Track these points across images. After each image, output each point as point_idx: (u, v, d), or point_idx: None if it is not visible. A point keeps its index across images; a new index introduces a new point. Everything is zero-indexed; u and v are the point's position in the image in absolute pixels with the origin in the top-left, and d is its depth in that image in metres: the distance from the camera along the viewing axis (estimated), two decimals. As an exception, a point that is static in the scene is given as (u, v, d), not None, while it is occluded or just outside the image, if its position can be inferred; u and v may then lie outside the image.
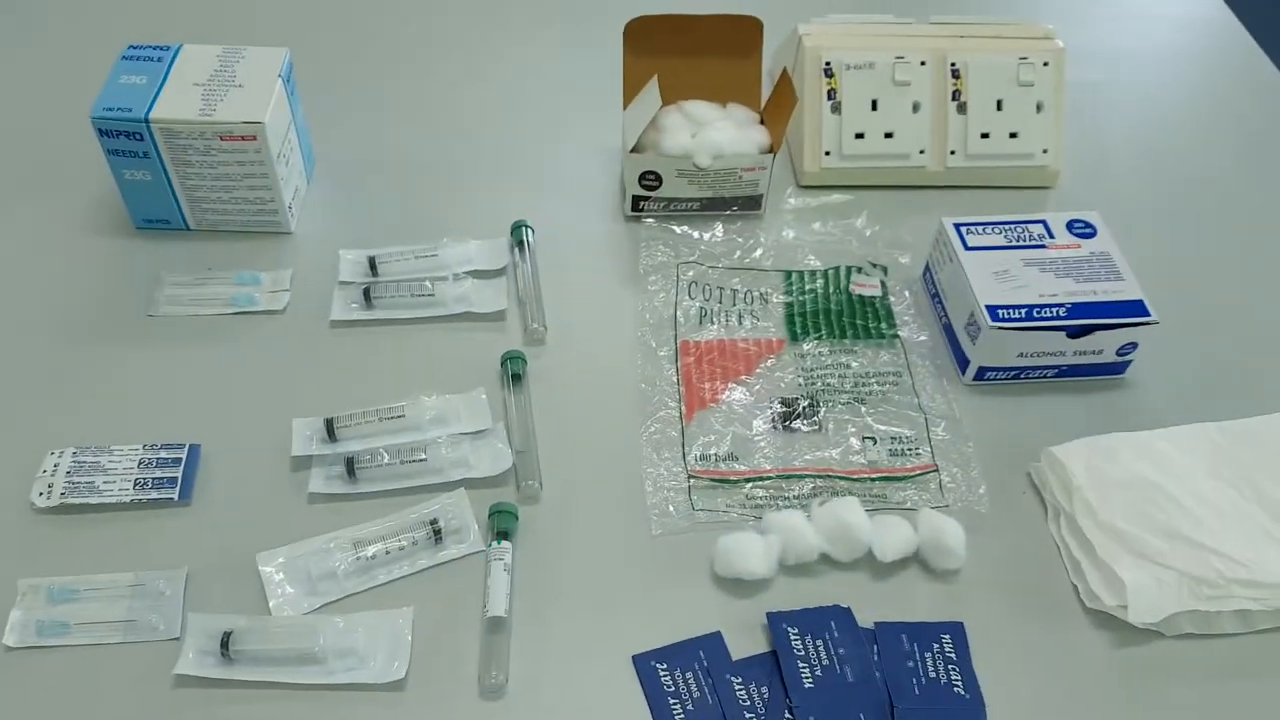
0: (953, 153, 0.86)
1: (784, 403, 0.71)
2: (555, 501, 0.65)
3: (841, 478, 0.66)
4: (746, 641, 0.59)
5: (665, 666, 0.58)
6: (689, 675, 0.57)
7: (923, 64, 0.85)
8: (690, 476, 0.66)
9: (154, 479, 0.63)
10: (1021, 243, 0.74)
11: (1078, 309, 0.70)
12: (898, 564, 0.62)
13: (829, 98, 0.85)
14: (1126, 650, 0.60)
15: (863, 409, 0.70)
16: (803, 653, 0.58)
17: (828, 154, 0.86)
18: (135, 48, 0.77)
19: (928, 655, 0.59)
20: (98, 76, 0.75)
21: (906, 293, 0.78)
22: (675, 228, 0.82)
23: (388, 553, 0.61)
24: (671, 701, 0.56)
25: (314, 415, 0.67)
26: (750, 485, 0.66)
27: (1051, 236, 0.75)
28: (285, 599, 0.59)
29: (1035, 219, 0.76)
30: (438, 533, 0.62)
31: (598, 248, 0.81)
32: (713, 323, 0.76)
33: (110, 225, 0.80)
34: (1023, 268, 0.72)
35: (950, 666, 0.58)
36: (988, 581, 0.62)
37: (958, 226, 0.75)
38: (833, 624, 0.59)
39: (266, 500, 0.64)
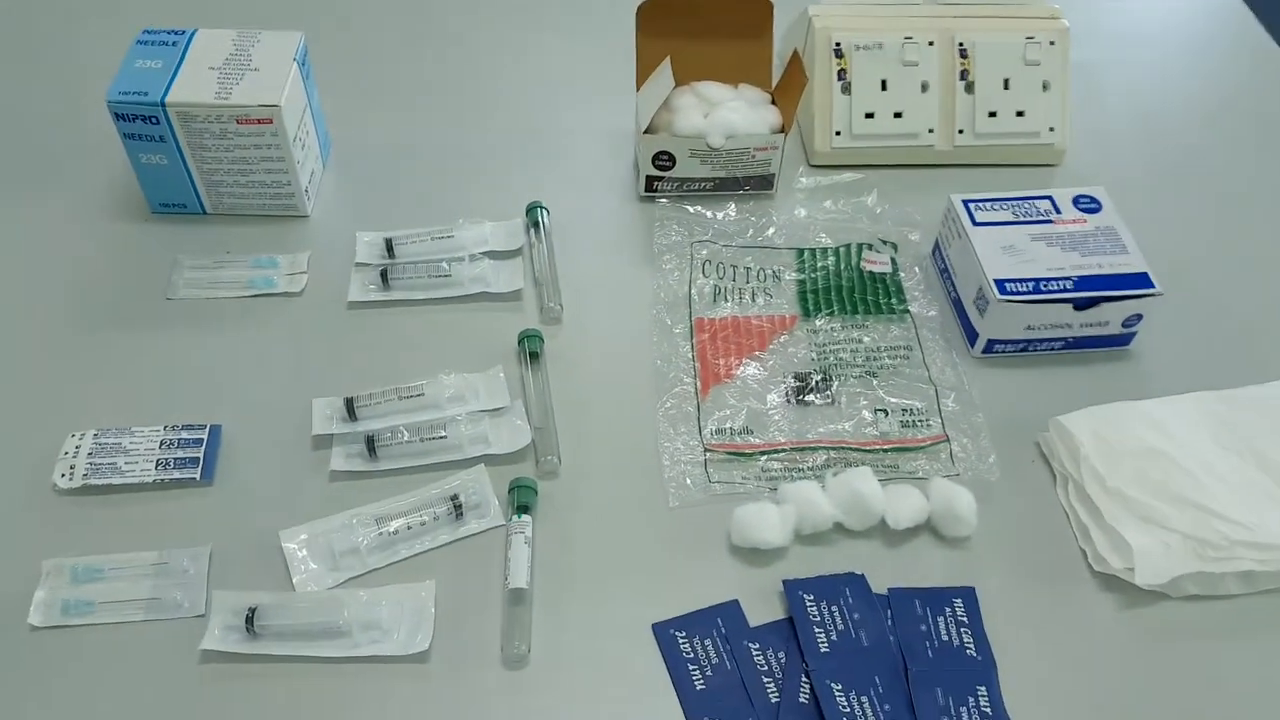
0: (961, 132, 0.87)
1: (797, 377, 0.71)
2: (573, 476, 0.66)
3: (854, 449, 0.67)
4: (763, 609, 0.60)
5: (684, 634, 0.59)
6: (708, 642, 0.58)
7: (931, 44, 0.86)
8: (706, 450, 0.67)
9: (176, 459, 0.64)
10: (1028, 218, 0.75)
11: (1084, 282, 0.70)
12: (910, 532, 0.63)
13: (839, 78, 0.86)
14: (1133, 611, 0.61)
15: (874, 382, 0.71)
16: (818, 618, 0.59)
17: (838, 134, 0.87)
18: (150, 32, 0.78)
19: (940, 619, 0.60)
20: (111, 61, 0.75)
21: (916, 269, 0.79)
22: (689, 207, 0.83)
23: (409, 528, 0.62)
24: (691, 668, 0.57)
25: (333, 395, 0.68)
26: (765, 458, 0.67)
27: (1058, 212, 0.75)
28: (309, 575, 0.60)
29: (1042, 195, 0.77)
30: (458, 508, 0.63)
31: (612, 228, 0.82)
32: (727, 300, 0.76)
33: (127, 210, 0.80)
34: (1030, 243, 0.73)
35: (962, 630, 0.59)
36: (998, 548, 0.63)
37: (966, 203, 0.76)
38: (847, 590, 0.60)
39: (288, 479, 0.65)
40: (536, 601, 0.60)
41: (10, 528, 0.62)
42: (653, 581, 0.61)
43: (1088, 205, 0.76)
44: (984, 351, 0.73)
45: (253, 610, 0.57)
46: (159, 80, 0.74)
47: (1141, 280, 0.70)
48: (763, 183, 0.84)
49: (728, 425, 0.69)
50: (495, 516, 0.63)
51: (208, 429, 0.66)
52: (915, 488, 0.64)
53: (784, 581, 0.60)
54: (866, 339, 0.74)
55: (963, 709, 0.56)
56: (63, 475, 0.63)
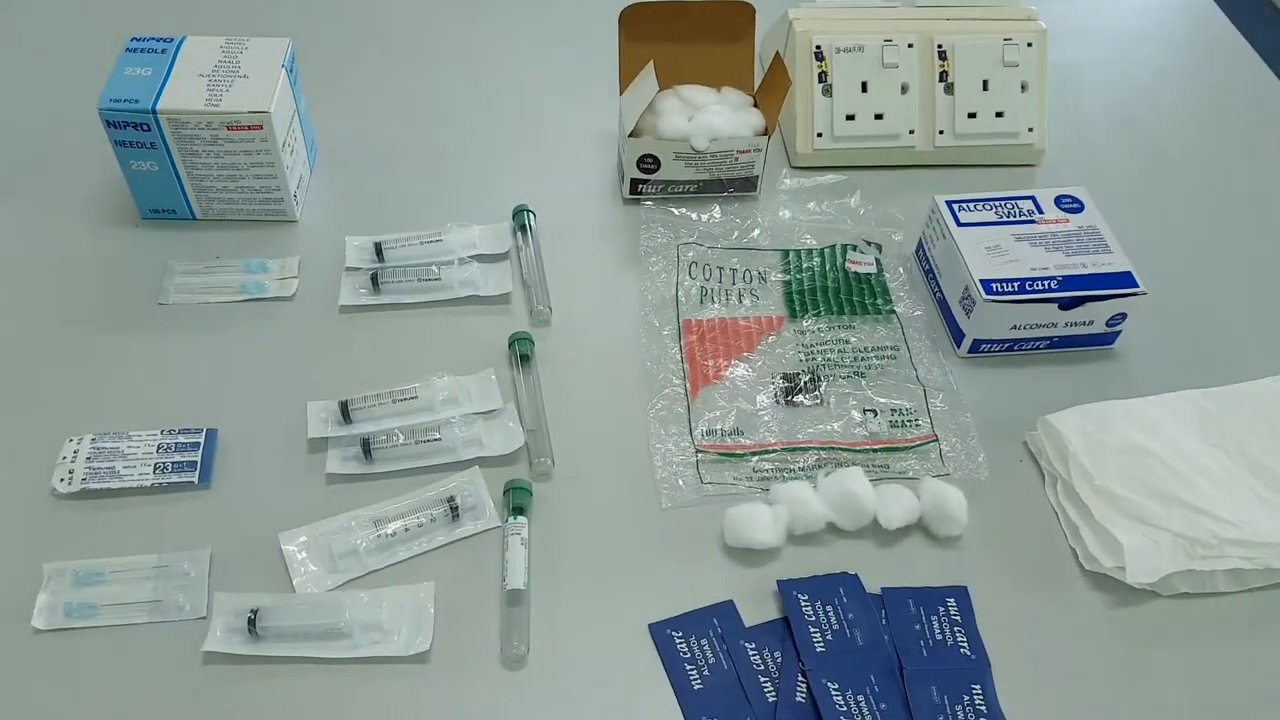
0: (941, 132, 0.88)
1: (786, 378, 0.73)
2: (567, 478, 0.67)
3: (845, 449, 0.68)
4: (758, 609, 0.61)
5: (681, 634, 0.60)
6: (704, 642, 0.59)
7: (910, 46, 0.87)
8: (698, 451, 0.68)
9: (174, 463, 0.64)
10: (1012, 218, 0.76)
11: (1068, 281, 0.72)
12: (902, 531, 0.64)
13: (820, 80, 0.87)
14: (1124, 610, 0.62)
15: (863, 382, 0.72)
16: (814, 618, 0.60)
17: (819, 135, 0.88)
18: (138, 39, 0.78)
19: (934, 618, 0.61)
20: (98, 67, 0.75)
21: (901, 269, 0.80)
22: (674, 210, 0.84)
23: (407, 530, 0.62)
24: (688, 668, 0.58)
25: (327, 398, 0.68)
26: (756, 458, 0.68)
27: (1041, 212, 0.77)
28: (308, 577, 0.60)
29: (1024, 195, 0.78)
30: (455, 510, 0.63)
31: (598, 230, 0.83)
32: (714, 302, 0.77)
33: (117, 216, 0.80)
34: (1014, 242, 0.74)
35: (956, 628, 0.60)
36: (989, 547, 0.64)
37: (950, 204, 0.77)
38: (841, 590, 0.61)
39: (285, 481, 0.65)
40: (533, 602, 0.60)
41: (11, 531, 0.62)
42: (648, 582, 0.62)
43: (1070, 205, 0.77)
44: (970, 351, 0.74)
45: (255, 612, 0.57)
46: (149, 87, 0.74)
47: (1126, 279, 0.72)
48: (746, 185, 0.85)
49: (718, 426, 0.70)
50: (491, 518, 0.64)
51: (204, 433, 0.66)
52: (906, 487, 0.65)
53: (778, 582, 0.61)
54: (853, 339, 0.75)
55: (958, 707, 0.57)
56: (61, 480, 0.63)
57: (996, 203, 0.77)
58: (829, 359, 0.74)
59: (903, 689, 0.58)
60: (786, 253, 0.81)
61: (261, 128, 0.74)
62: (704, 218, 0.83)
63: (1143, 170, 0.91)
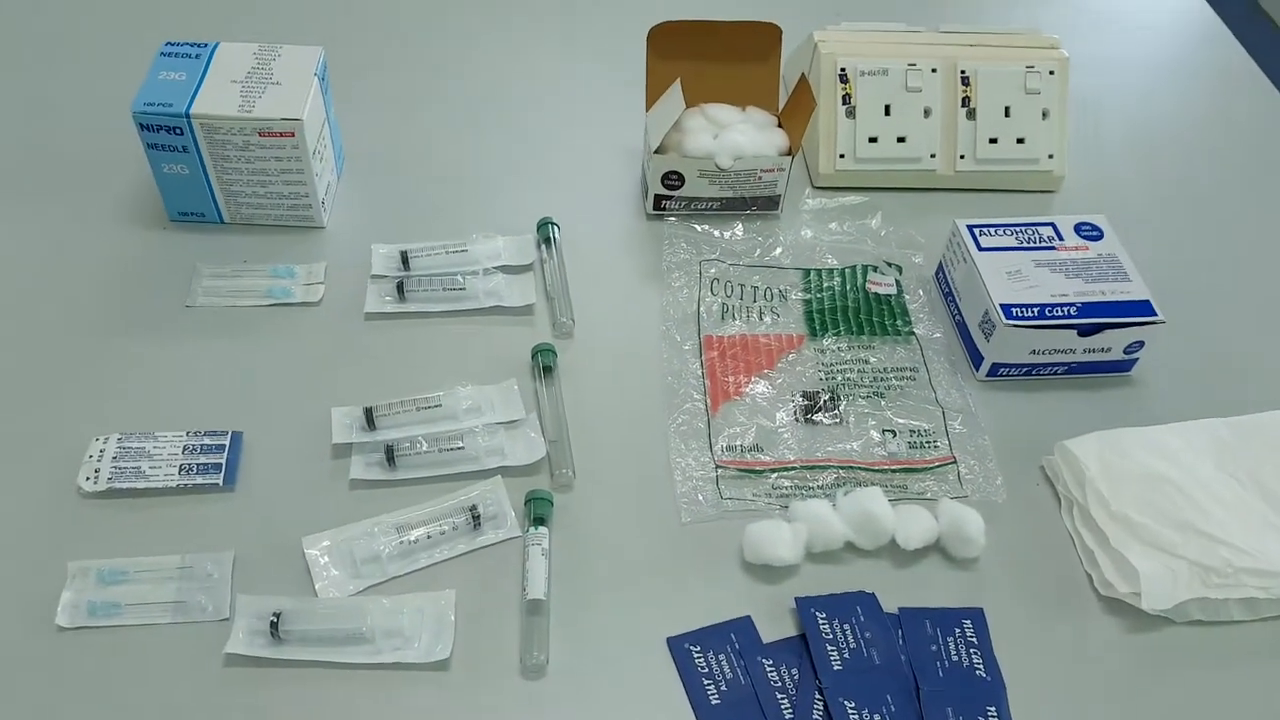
0: (962, 157, 0.89)
1: (805, 396, 0.73)
2: (587, 489, 0.67)
3: (864, 469, 0.69)
4: (776, 626, 0.62)
5: (699, 649, 0.60)
6: (721, 657, 0.60)
7: (934, 71, 0.88)
8: (718, 466, 0.69)
9: (199, 465, 0.65)
10: (1032, 244, 0.77)
11: (1088, 308, 0.72)
12: (919, 552, 0.65)
13: (844, 102, 0.88)
14: (1138, 635, 0.62)
15: (882, 403, 0.73)
16: (831, 636, 0.60)
17: (842, 156, 0.89)
18: (172, 44, 0.79)
19: (950, 639, 0.61)
20: (130, 71, 0.76)
21: (920, 291, 0.81)
22: (696, 226, 0.84)
23: (429, 537, 0.63)
24: (705, 682, 0.59)
25: (352, 404, 0.69)
26: (776, 475, 0.68)
27: (1061, 239, 0.77)
28: (330, 581, 0.61)
29: (1044, 221, 0.79)
30: (476, 518, 0.64)
31: (621, 245, 0.84)
32: (735, 318, 0.78)
33: (146, 217, 0.81)
34: (1034, 268, 0.75)
35: (972, 650, 0.61)
36: (1006, 569, 0.65)
37: (971, 228, 0.78)
38: (859, 609, 0.62)
39: (308, 486, 0.66)
40: (553, 612, 0.61)
41: (36, 529, 0.62)
42: (666, 595, 0.62)
43: (1089, 233, 0.78)
44: (989, 375, 0.75)
45: (278, 615, 0.58)
46: (183, 92, 0.75)
47: (1144, 308, 0.73)
48: (769, 203, 0.85)
49: (738, 442, 0.70)
50: (512, 528, 0.64)
51: (229, 435, 0.67)
52: (924, 508, 0.65)
53: (796, 599, 0.62)
54: (873, 359, 0.76)
55: (972, 727, 0.58)
56: (88, 479, 0.64)
57: (1017, 228, 0.78)
58: (848, 378, 0.74)
59: (919, 709, 0.58)
60: (807, 272, 0.82)
61: (293, 135, 0.75)
62: (726, 235, 0.84)
63: (1161, 199, 0.92)
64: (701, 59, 0.84)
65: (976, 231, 0.78)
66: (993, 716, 0.58)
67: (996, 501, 0.68)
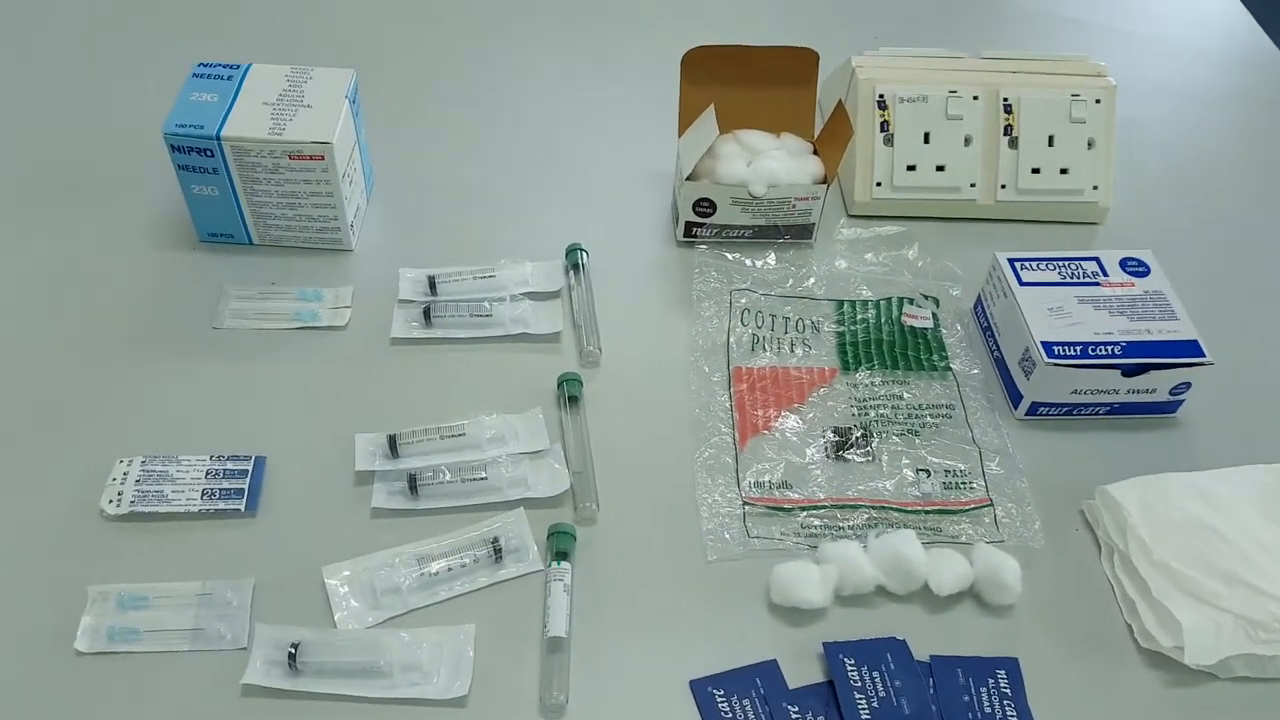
0: (1003, 187, 0.87)
1: (837, 432, 0.71)
2: (611, 523, 0.66)
3: (896, 509, 0.67)
4: (802, 670, 0.60)
5: (722, 693, 0.58)
6: (745, 702, 0.58)
7: (975, 98, 0.86)
8: (745, 503, 0.67)
9: (221, 490, 0.64)
10: (1075, 279, 0.75)
11: (1132, 348, 0.70)
12: (952, 598, 0.63)
13: (881, 129, 0.86)
14: (1180, 691, 0.60)
15: (916, 440, 0.71)
16: (859, 684, 0.58)
17: (879, 185, 0.87)
18: (204, 65, 0.79)
19: (983, 690, 0.59)
20: (163, 91, 0.76)
21: (958, 325, 0.79)
22: (727, 254, 0.83)
23: (450, 569, 0.62)
24: (729, 727, 0.57)
25: (376, 431, 0.68)
26: (805, 514, 0.67)
27: (1105, 274, 0.75)
28: (350, 612, 0.60)
29: (1089, 256, 0.77)
30: (498, 551, 0.63)
31: (650, 272, 0.83)
32: (765, 350, 0.77)
33: (175, 238, 0.81)
34: (1077, 305, 0.73)
35: (1005, 702, 0.59)
36: (1042, 618, 0.63)
37: (1012, 262, 0.76)
38: (889, 656, 0.60)
39: (330, 513, 0.65)
40: (573, 650, 0.59)
41: (58, 552, 0.62)
42: (690, 636, 0.61)
43: (1135, 268, 0.76)
44: (1027, 413, 0.73)
45: (296, 646, 0.57)
46: (214, 114, 0.75)
47: (1192, 348, 0.70)
48: (802, 232, 0.84)
49: (766, 478, 0.68)
50: (534, 561, 0.63)
51: (253, 460, 0.66)
52: (959, 553, 0.63)
53: (824, 644, 0.60)
54: (907, 395, 0.74)
55: (1002, 780, 0.56)
56: (110, 501, 0.63)
57: (1060, 263, 0.76)
58: (882, 414, 0.72)
59: (950, 764, 0.56)
60: (841, 303, 0.80)
61: (323, 158, 0.75)
62: (758, 264, 0.83)
63: (1209, 233, 0.89)
64: (736, 84, 0.83)
65: (1017, 265, 0.76)
66: (1027, 774, 0.56)
67: (1034, 547, 0.66)
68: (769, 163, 0.81)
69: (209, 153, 0.74)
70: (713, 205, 0.82)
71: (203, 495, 0.64)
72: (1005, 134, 0.87)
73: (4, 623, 0.59)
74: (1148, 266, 0.76)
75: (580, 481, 0.67)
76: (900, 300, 0.80)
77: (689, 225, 0.83)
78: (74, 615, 0.59)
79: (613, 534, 0.65)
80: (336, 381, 0.73)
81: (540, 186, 0.89)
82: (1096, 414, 0.73)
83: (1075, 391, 0.71)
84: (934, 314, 0.79)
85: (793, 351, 0.77)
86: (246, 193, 0.77)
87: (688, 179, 0.80)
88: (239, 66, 0.79)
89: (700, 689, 0.58)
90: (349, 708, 0.56)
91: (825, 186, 0.81)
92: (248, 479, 0.65)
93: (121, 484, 0.64)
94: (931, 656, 0.60)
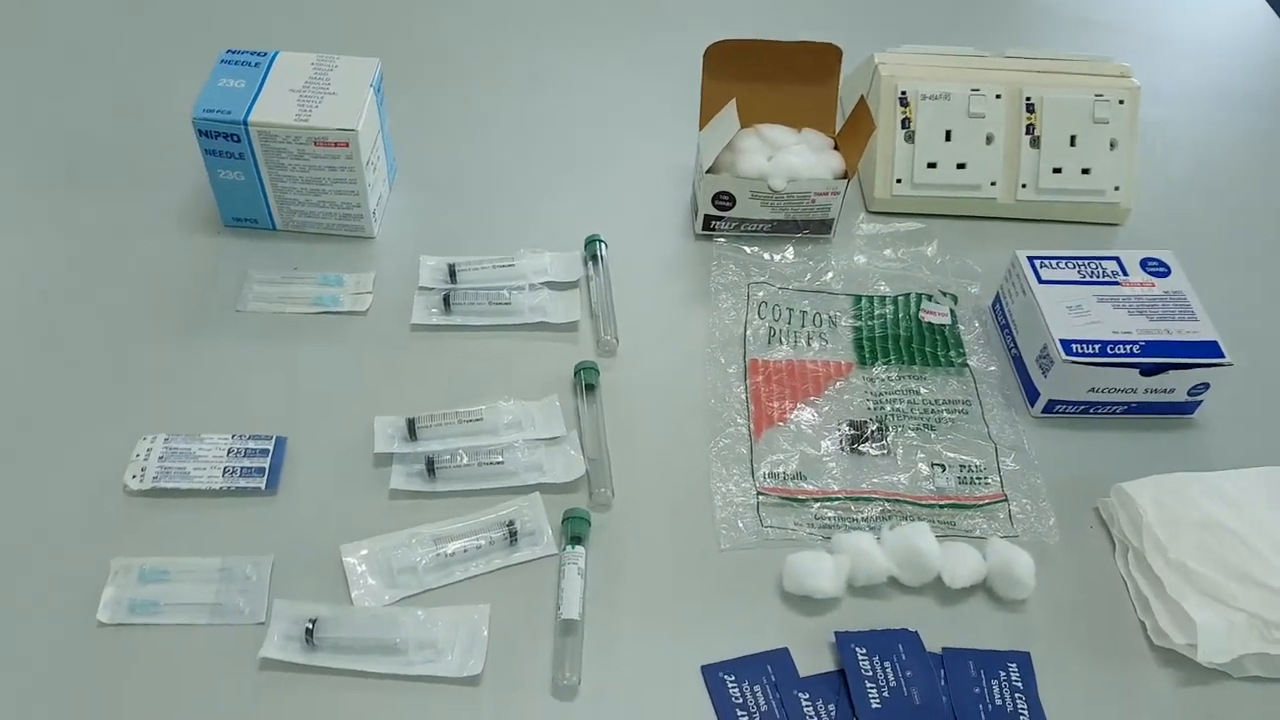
0: (1024, 186, 0.87)
1: (852, 425, 0.72)
2: (626, 510, 0.66)
3: (910, 503, 0.67)
4: (813, 659, 0.60)
5: (733, 679, 0.59)
6: (756, 689, 0.58)
7: (998, 97, 0.86)
8: (759, 494, 0.67)
9: (242, 468, 0.65)
10: (1095, 279, 0.75)
11: (1151, 347, 0.70)
12: (965, 591, 0.63)
13: (903, 126, 0.87)
14: (1192, 689, 0.60)
15: (932, 435, 0.71)
16: (870, 673, 0.59)
17: (899, 181, 0.87)
18: (232, 52, 0.80)
19: (994, 683, 0.59)
20: (192, 77, 0.77)
21: (976, 322, 0.79)
22: (746, 248, 0.84)
23: (465, 551, 0.62)
24: (739, 713, 0.57)
25: (394, 414, 0.69)
26: (819, 505, 0.67)
27: (1125, 274, 0.75)
28: (367, 590, 0.61)
29: (1109, 255, 0.76)
30: (514, 534, 0.63)
31: (668, 264, 0.83)
32: (782, 343, 0.77)
33: (200, 223, 0.82)
34: (1096, 304, 0.73)
35: (1017, 695, 0.59)
36: (1055, 613, 0.63)
37: (1031, 260, 0.76)
38: (900, 647, 0.60)
39: (349, 493, 0.66)
40: (586, 633, 0.60)
41: (82, 525, 0.63)
42: (702, 622, 0.61)
43: (1156, 269, 0.75)
44: (1044, 411, 0.73)
45: (314, 622, 0.57)
46: (242, 99, 0.76)
47: (1212, 349, 0.70)
48: (821, 227, 0.84)
49: (780, 469, 0.69)
50: (548, 545, 0.64)
51: (273, 440, 0.67)
52: (972, 546, 0.63)
53: (836, 633, 0.60)
54: (924, 390, 0.74)
55: (1012, 773, 0.56)
56: (134, 477, 0.64)
57: (1080, 262, 0.76)
58: (898, 409, 0.73)
59: (959, 755, 0.56)
60: (859, 298, 0.80)
61: (347, 145, 0.75)
62: (777, 258, 0.83)
63: (1231, 235, 0.89)
64: (758, 79, 0.83)
65: (1037, 263, 0.76)
66: (1037, 766, 0.56)
67: (1048, 543, 0.66)
68: (789, 157, 0.81)
69: (235, 138, 0.75)
70: (732, 199, 0.82)
71: (224, 473, 0.65)
72: (1027, 133, 0.87)
73: (29, 593, 0.60)
74: (1168, 267, 0.76)
75: (596, 468, 0.68)
76: (919, 296, 0.80)
77: (708, 218, 0.83)
78: (97, 587, 0.60)
79: (627, 520, 0.66)
80: (356, 366, 0.74)
81: (561, 179, 0.89)
82: (1114, 413, 0.73)
83: (1093, 390, 0.71)
84: (952, 310, 0.79)
85: (809, 345, 0.77)
86: (271, 178, 0.78)
87: (708, 172, 0.81)
88: (266, 54, 0.80)
89: (711, 674, 0.59)
90: (364, 683, 0.57)
91: (846, 181, 0.81)
92: (268, 458, 0.66)
93: (145, 460, 0.65)
94: (943, 648, 0.60)
